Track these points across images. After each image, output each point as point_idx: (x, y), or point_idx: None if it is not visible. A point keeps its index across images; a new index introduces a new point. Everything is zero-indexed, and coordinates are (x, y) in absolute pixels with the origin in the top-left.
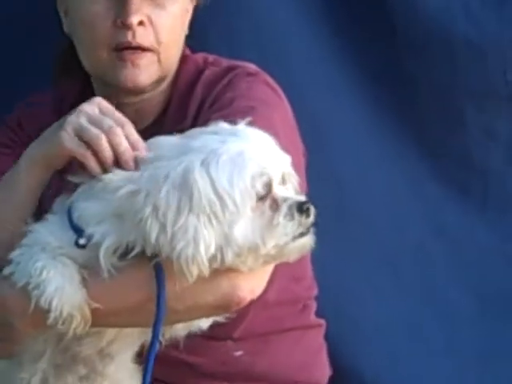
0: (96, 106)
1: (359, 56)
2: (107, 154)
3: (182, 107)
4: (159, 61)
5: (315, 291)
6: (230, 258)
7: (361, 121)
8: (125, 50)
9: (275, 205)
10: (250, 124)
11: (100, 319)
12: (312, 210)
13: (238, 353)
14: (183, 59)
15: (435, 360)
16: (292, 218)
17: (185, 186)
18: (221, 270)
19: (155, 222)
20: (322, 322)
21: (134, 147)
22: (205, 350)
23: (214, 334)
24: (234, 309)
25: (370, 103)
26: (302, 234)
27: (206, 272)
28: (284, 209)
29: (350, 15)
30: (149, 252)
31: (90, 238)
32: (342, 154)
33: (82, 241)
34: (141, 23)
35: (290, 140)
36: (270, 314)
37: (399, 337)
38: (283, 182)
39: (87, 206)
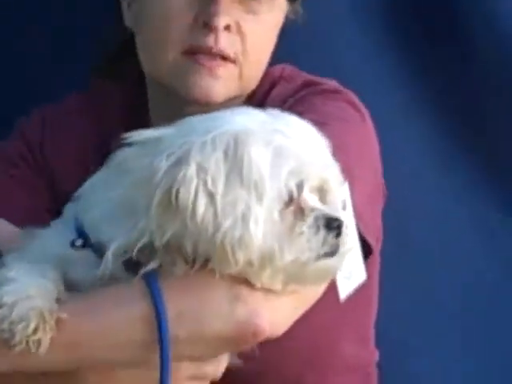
0: None
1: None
2: None
3: None
4: (240, 76)
5: (376, 356)
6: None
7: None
8: (200, 54)
9: (300, 213)
10: None
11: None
12: (344, 232)
13: None
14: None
15: None
16: (317, 231)
17: (236, 153)
18: (236, 291)
19: (203, 190)
20: None
21: None
22: None
23: None
24: (247, 343)
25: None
26: (326, 255)
27: (255, 259)
28: (310, 219)
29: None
30: (159, 242)
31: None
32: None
33: (78, 242)
34: (227, 28)
35: (362, 165)
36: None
37: None
38: (320, 191)
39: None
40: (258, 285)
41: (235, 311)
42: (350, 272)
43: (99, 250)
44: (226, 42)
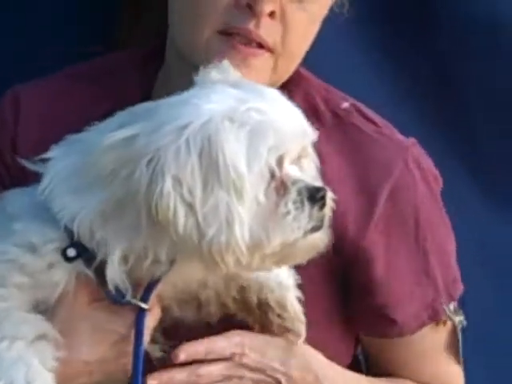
0: None
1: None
2: None
3: None
4: (274, 68)
5: None
6: (231, 263)
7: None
8: (237, 36)
9: (282, 188)
10: None
11: None
12: (328, 200)
13: None
14: (296, 78)
15: None
16: (302, 207)
17: (210, 155)
18: None
19: (181, 202)
20: None
21: None
22: None
23: None
24: None
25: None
26: (313, 230)
27: (245, 261)
28: (293, 194)
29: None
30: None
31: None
32: None
33: (71, 252)
34: (271, 14)
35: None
36: None
37: None
38: (298, 159)
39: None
40: (250, 271)
41: None
42: None
43: (91, 261)
44: (267, 29)
